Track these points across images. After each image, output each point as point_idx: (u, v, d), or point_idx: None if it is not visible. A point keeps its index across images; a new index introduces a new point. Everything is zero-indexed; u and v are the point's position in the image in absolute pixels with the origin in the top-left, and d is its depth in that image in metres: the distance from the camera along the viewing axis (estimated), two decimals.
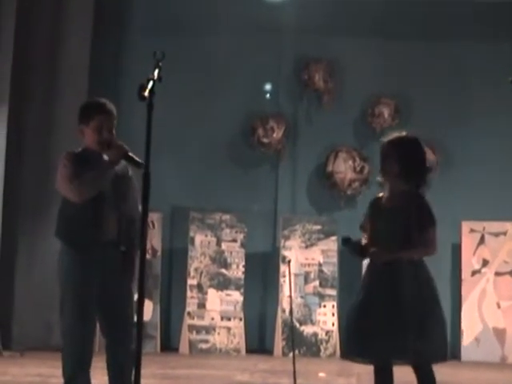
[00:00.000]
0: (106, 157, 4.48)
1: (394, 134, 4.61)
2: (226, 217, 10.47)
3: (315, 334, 10.14)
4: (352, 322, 4.47)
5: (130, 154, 4.40)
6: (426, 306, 4.32)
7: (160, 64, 3.72)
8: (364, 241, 4.55)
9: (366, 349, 4.33)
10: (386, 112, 10.66)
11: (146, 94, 3.58)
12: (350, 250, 4.54)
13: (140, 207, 4.65)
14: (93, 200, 4.42)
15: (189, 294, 10.21)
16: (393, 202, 4.49)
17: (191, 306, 10.20)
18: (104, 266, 4.42)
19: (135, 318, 3.99)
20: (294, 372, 5.51)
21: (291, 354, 9.72)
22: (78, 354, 4.46)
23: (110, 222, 4.47)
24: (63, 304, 4.53)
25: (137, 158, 4.37)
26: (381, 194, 4.61)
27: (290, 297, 6.64)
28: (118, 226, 4.49)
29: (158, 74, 3.68)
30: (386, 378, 4.42)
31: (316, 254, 10.37)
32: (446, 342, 4.40)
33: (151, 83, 3.61)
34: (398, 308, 4.27)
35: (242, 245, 10.40)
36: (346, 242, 4.52)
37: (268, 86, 11.07)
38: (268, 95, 11.06)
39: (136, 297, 3.76)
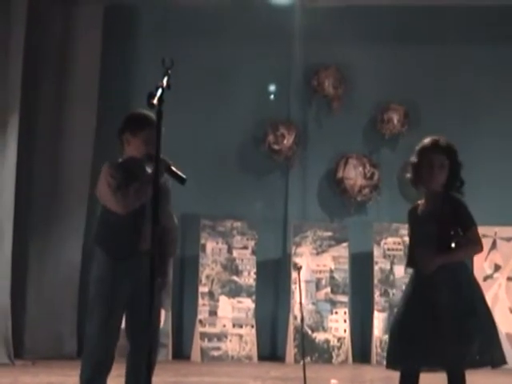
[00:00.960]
0: (148, 169, 4.52)
1: (440, 140, 4.54)
2: (237, 224, 10.47)
3: (327, 341, 10.12)
4: (398, 330, 4.41)
5: (173, 168, 4.40)
6: (471, 309, 4.27)
7: (169, 71, 3.72)
8: None
9: (409, 356, 4.28)
10: (395, 118, 10.64)
11: (155, 101, 3.59)
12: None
13: (175, 218, 4.75)
14: (134, 210, 4.46)
15: (200, 301, 10.21)
16: (430, 208, 4.46)
17: (203, 313, 10.19)
18: (137, 275, 4.44)
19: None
20: (305, 379, 5.48)
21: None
22: (97, 358, 4.50)
23: (148, 232, 4.50)
24: (91, 309, 4.57)
25: (179, 173, 4.38)
26: (418, 202, 4.59)
27: (300, 303, 6.64)
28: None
29: (167, 81, 3.69)
30: None
31: (327, 261, 10.36)
32: (492, 345, 4.32)
33: (160, 91, 3.62)
34: (443, 314, 4.23)
35: (253, 252, 10.40)
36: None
37: (276, 90, 11.04)
38: (273, 96, 11.02)
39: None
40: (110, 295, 4.50)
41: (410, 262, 4.50)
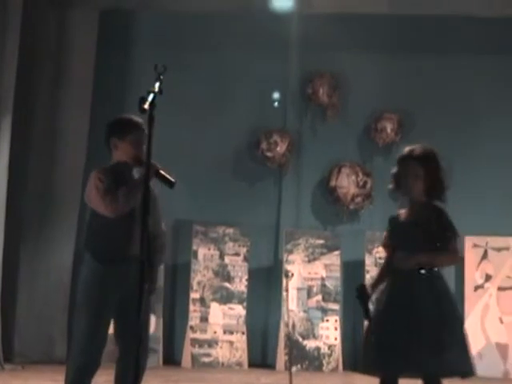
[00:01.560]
0: (136, 173, 4.51)
1: (418, 148, 4.56)
2: (230, 230, 10.47)
3: (318, 349, 10.12)
4: (369, 336, 4.44)
5: (162, 171, 4.39)
6: (444, 317, 4.29)
7: (161, 77, 3.73)
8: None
9: (383, 362, 4.30)
10: (388, 127, 10.67)
11: (147, 106, 3.60)
12: (360, 297, 4.56)
13: (163, 224, 4.76)
14: (122, 215, 4.46)
15: (191, 307, 10.20)
16: (412, 216, 4.49)
17: (194, 319, 10.18)
18: (126, 280, 4.44)
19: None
20: None
21: (293, 369, 9.73)
22: (82, 363, 4.50)
23: (137, 237, 4.49)
24: (78, 313, 4.58)
25: (168, 176, 4.37)
26: (401, 211, 4.61)
27: (287, 309, 6.66)
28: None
29: (159, 86, 3.70)
30: None
31: (319, 269, 10.36)
32: (466, 356, 4.34)
33: (152, 96, 3.63)
34: (416, 321, 4.25)
35: (245, 258, 10.40)
36: (360, 291, 4.54)
37: (275, 97, 11.05)
38: (276, 103, 11.03)
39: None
40: (97, 300, 4.50)
41: (386, 269, 4.53)
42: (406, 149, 4.62)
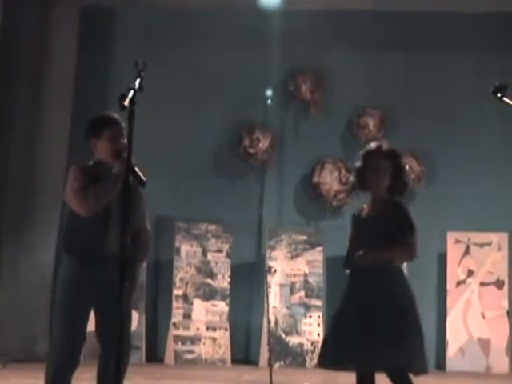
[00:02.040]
0: (114, 170, 4.49)
1: (383, 145, 4.59)
2: (212, 227, 10.46)
3: (301, 345, 10.13)
4: (329, 331, 4.49)
5: (136, 168, 4.36)
6: (401, 313, 4.31)
7: (142, 73, 3.72)
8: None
9: (341, 357, 4.34)
10: (370, 123, 10.68)
11: (127, 103, 3.58)
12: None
13: (148, 223, 4.74)
14: (98, 213, 4.43)
15: (174, 304, 10.19)
16: (372, 212, 4.53)
17: (177, 316, 10.17)
18: (103, 278, 4.42)
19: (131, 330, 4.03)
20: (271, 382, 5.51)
21: (277, 365, 9.74)
22: (61, 361, 4.50)
23: (114, 235, 4.46)
24: (56, 312, 4.57)
25: (141, 174, 4.34)
26: (363, 206, 4.63)
27: (267, 305, 6.65)
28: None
29: (140, 83, 3.68)
30: None
31: (302, 265, 10.37)
32: (422, 352, 4.38)
33: (132, 93, 3.61)
34: (371, 316, 4.28)
35: (228, 255, 10.40)
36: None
37: (257, 95, 11.03)
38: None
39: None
40: (73, 298, 4.50)
41: (348, 263, 4.56)
42: (373, 144, 4.64)
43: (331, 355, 4.41)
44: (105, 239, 4.49)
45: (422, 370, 4.36)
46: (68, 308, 4.51)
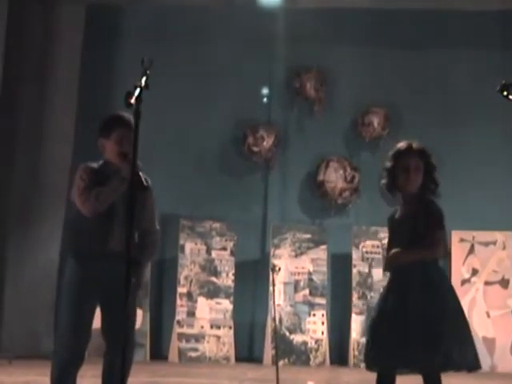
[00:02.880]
0: (122, 173, 4.48)
1: (414, 144, 4.55)
2: (216, 225, 10.46)
3: (305, 343, 10.13)
4: (371, 333, 4.42)
5: (141, 173, 4.34)
6: (441, 312, 4.27)
7: (147, 71, 3.71)
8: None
9: (384, 358, 4.29)
10: (375, 121, 10.68)
11: (133, 101, 3.58)
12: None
13: (157, 223, 4.73)
14: (103, 212, 4.44)
15: (178, 302, 10.19)
16: (405, 212, 4.48)
17: (181, 314, 10.18)
18: (109, 277, 4.42)
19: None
20: (277, 381, 5.49)
21: (281, 363, 9.74)
22: (66, 358, 4.50)
23: (118, 234, 4.46)
24: (61, 310, 4.57)
25: (143, 179, 4.32)
26: (397, 208, 4.59)
27: (274, 303, 6.64)
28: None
29: (146, 81, 3.68)
30: None
31: (306, 263, 10.37)
32: (474, 347, 4.32)
33: (138, 90, 3.60)
34: (411, 315, 4.24)
35: (232, 253, 10.40)
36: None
37: (262, 91, 11.05)
38: (264, 99, 11.04)
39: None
40: (79, 296, 4.51)
41: (384, 265, 4.55)
42: (402, 144, 4.58)
43: (380, 357, 4.32)
44: (109, 238, 4.49)
45: (475, 366, 4.33)
46: (73, 305, 4.52)
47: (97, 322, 4.61)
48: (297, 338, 10.14)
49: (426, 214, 4.40)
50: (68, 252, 4.66)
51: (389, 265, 4.45)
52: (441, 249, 4.40)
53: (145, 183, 4.26)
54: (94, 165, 4.65)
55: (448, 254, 4.46)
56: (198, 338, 10.14)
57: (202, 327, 10.16)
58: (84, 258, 4.54)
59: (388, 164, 4.54)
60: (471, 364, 4.31)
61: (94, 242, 4.52)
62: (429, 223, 4.37)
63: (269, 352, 9.94)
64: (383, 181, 4.57)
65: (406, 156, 4.48)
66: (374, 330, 4.40)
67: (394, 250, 4.41)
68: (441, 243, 4.39)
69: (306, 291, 10.29)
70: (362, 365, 4.55)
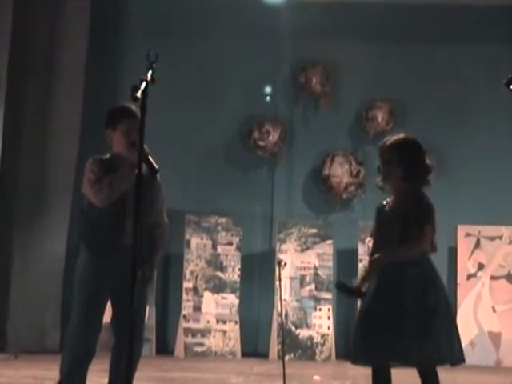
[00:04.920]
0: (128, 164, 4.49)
1: (393, 137, 4.59)
2: (222, 220, 10.47)
3: (311, 338, 10.13)
4: (358, 327, 4.43)
5: (150, 157, 4.35)
6: (430, 306, 4.28)
7: (153, 65, 3.72)
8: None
9: (372, 352, 4.30)
10: (379, 116, 10.66)
11: (139, 95, 3.58)
12: (343, 293, 4.57)
13: (165, 215, 4.74)
14: (114, 204, 4.46)
15: (184, 297, 10.20)
16: (395, 204, 4.50)
17: (187, 309, 10.19)
18: (121, 270, 4.43)
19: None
20: (284, 375, 5.50)
21: (286, 358, 9.74)
22: (78, 352, 4.51)
23: (131, 228, 4.47)
24: (73, 304, 4.58)
25: (154, 163, 4.33)
26: (387, 200, 4.60)
27: (280, 298, 6.61)
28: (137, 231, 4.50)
29: (152, 75, 3.68)
30: (384, 380, 4.39)
31: (312, 258, 10.37)
32: (458, 342, 4.34)
33: (144, 84, 3.61)
34: (400, 310, 4.25)
35: (238, 248, 10.40)
36: (339, 287, 4.55)
37: (266, 89, 11.06)
38: (268, 98, 11.05)
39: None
40: (91, 290, 4.52)
41: (358, 291, 4.53)
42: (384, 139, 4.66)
43: (364, 351, 4.34)
44: (122, 230, 4.51)
45: (459, 360, 4.34)
46: (86, 299, 4.53)
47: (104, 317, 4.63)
48: (303, 333, 10.15)
49: (415, 207, 4.40)
50: (81, 245, 4.66)
51: (376, 267, 4.44)
52: (428, 244, 4.39)
53: (156, 166, 4.28)
54: (103, 157, 4.67)
55: (436, 250, 4.40)
56: (204, 332, 10.15)
57: (208, 322, 10.17)
58: (98, 251, 4.55)
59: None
60: (457, 358, 4.33)
61: (107, 236, 4.53)
62: (417, 217, 4.37)
63: (274, 347, 9.95)
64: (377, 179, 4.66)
65: (380, 152, 4.57)
66: (362, 323, 4.41)
67: (377, 255, 4.42)
68: (428, 238, 4.38)
69: (312, 286, 10.29)
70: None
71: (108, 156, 4.68)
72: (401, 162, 4.48)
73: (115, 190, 4.47)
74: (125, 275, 4.24)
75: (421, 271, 4.36)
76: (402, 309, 4.25)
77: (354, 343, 4.45)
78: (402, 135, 4.61)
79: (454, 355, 4.33)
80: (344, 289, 4.54)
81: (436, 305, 4.30)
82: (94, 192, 4.50)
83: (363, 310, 4.44)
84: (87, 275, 4.56)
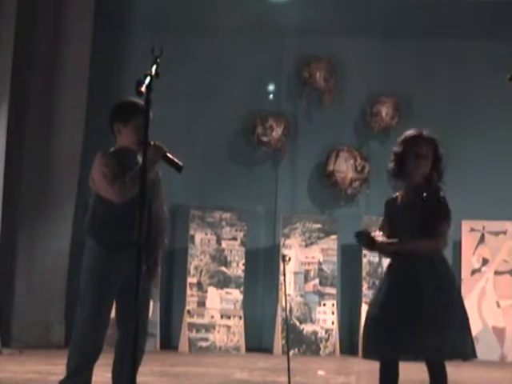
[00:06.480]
0: (140, 158, 4.48)
1: (424, 132, 4.53)
2: (226, 215, 10.47)
3: (315, 333, 10.14)
4: (370, 322, 4.41)
5: (169, 155, 4.35)
6: (445, 300, 4.27)
7: (158, 60, 3.71)
8: (377, 234, 4.49)
9: (385, 346, 4.28)
10: (383, 111, 10.66)
11: (143, 89, 3.58)
12: (360, 240, 4.48)
13: (165, 210, 4.75)
14: (130, 200, 4.44)
15: (189, 292, 10.21)
16: (411, 197, 4.47)
17: (191, 304, 10.20)
18: (130, 265, 4.43)
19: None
20: (289, 370, 5.50)
21: (291, 353, 9.75)
22: (85, 348, 4.50)
23: (144, 222, 4.47)
24: (83, 298, 4.56)
25: (176, 160, 4.33)
26: (397, 194, 4.58)
27: (285, 293, 6.62)
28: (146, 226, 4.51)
29: (156, 69, 3.68)
30: (392, 374, 4.39)
31: (316, 253, 10.37)
32: (466, 338, 4.32)
33: (148, 79, 3.61)
34: (416, 304, 4.23)
35: (242, 243, 10.41)
36: (357, 235, 4.46)
37: (270, 87, 11.06)
38: (271, 96, 11.05)
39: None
40: (103, 286, 4.50)
41: (373, 244, 4.49)
42: (412, 131, 4.56)
43: (376, 346, 4.32)
44: (133, 227, 4.50)
45: (471, 354, 4.34)
46: (99, 294, 4.51)
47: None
48: (307, 328, 10.15)
49: (434, 203, 4.38)
50: (91, 240, 4.63)
51: (396, 250, 4.41)
52: (447, 240, 4.40)
53: (179, 162, 4.28)
54: (111, 151, 4.64)
55: (447, 245, 4.40)
56: (208, 327, 10.16)
57: (212, 317, 10.18)
58: (109, 246, 4.54)
59: (397, 149, 4.52)
60: (470, 352, 4.33)
61: (119, 231, 4.51)
62: (435, 213, 4.36)
63: (279, 342, 9.95)
64: (390, 165, 4.55)
65: (416, 142, 4.47)
66: (374, 317, 4.39)
67: (396, 240, 4.39)
68: (445, 235, 4.39)
69: (316, 281, 10.30)
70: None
71: (116, 149, 4.66)
72: (437, 158, 4.47)
73: (136, 185, 4.46)
74: (133, 271, 4.26)
75: (435, 265, 4.36)
76: (417, 303, 4.23)
77: (366, 338, 4.42)
78: (428, 132, 4.55)
79: (468, 350, 4.33)
80: (360, 235, 4.47)
81: (451, 299, 4.30)
82: (115, 188, 4.45)
83: (376, 304, 4.41)
84: (100, 272, 4.52)
